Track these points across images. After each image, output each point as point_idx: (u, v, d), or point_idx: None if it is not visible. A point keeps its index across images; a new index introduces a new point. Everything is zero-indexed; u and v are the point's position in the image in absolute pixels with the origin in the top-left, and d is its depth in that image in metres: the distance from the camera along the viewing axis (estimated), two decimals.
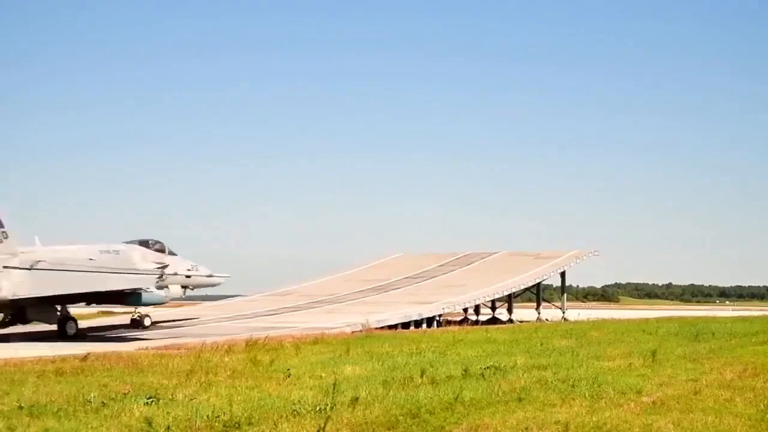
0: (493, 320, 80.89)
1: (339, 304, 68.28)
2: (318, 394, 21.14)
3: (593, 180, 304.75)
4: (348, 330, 45.86)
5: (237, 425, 17.46)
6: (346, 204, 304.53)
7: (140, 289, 46.89)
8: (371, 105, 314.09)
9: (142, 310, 51.48)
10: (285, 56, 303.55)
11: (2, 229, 43.82)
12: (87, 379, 24.63)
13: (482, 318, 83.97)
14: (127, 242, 52.88)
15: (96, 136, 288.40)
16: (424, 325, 58.04)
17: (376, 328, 47.92)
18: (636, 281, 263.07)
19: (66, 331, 45.44)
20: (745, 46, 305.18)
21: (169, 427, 17.08)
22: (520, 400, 20.98)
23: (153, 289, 48.09)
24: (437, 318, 61.85)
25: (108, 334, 48.98)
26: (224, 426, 17.39)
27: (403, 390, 22.29)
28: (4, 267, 43.64)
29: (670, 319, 61.96)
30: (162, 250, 53.79)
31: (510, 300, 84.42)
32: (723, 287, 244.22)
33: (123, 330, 50.70)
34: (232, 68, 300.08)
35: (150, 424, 16.91)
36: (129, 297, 47.47)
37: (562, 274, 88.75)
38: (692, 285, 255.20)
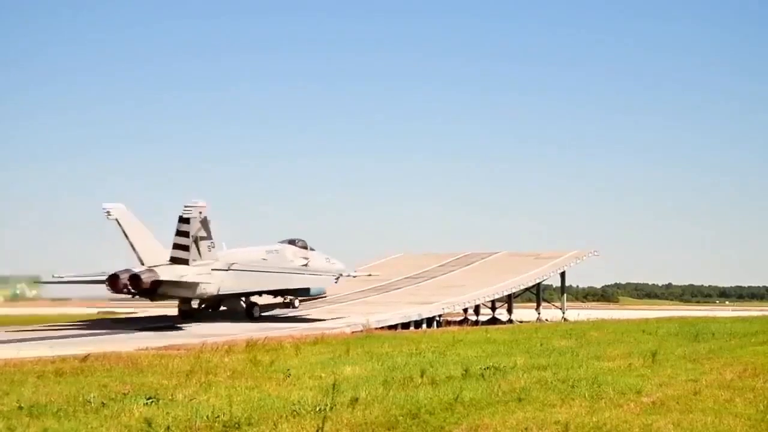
0: (493, 320, 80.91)
1: (339, 304, 68.33)
2: (318, 395, 21.15)
3: (593, 180, 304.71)
4: (348, 330, 45.86)
5: (237, 425, 17.47)
6: (346, 204, 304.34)
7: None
8: (371, 105, 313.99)
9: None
10: (285, 56, 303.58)
11: (212, 241, 55.87)
12: (87, 380, 24.65)
13: (482, 318, 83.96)
14: (280, 242, 65.77)
15: (96, 136, 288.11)
16: (424, 326, 58.09)
17: (376, 328, 47.95)
18: (636, 281, 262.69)
19: (253, 314, 59.44)
20: (745, 46, 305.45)
21: (168, 428, 17.09)
22: (519, 400, 21.00)
23: (321, 285, 63.33)
24: (437, 318, 61.93)
25: (277, 314, 62.42)
26: (224, 426, 17.41)
27: (403, 390, 22.32)
28: (212, 270, 55.25)
29: (669, 319, 62.00)
30: (305, 247, 66.32)
31: (510, 300, 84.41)
32: (723, 287, 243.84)
33: (286, 310, 63.93)
34: (232, 68, 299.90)
35: (150, 424, 16.93)
36: (302, 291, 62.07)
37: (562, 275, 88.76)
38: (692, 285, 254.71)
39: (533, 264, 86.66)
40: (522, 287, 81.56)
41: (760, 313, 78.56)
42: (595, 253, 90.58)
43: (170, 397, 20.83)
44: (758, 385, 23.90)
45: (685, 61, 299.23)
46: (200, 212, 53.89)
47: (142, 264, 53.56)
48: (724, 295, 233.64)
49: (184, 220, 53.54)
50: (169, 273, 52.54)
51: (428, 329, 56.04)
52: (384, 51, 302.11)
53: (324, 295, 67.75)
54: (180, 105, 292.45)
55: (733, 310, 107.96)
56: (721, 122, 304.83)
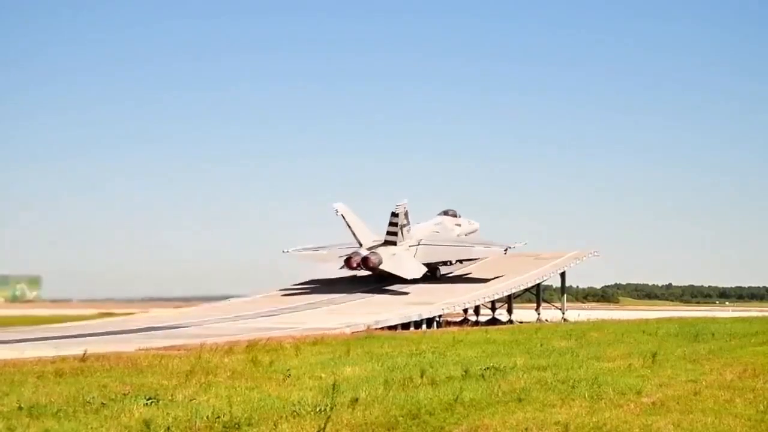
0: (493, 321, 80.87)
1: (340, 304, 68.23)
2: (318, 395, 21.15)
3: (593, 180, 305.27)
4: (348, 331, 45.82)
5: (237, 426, 17.47)
6: (346, 204, 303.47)
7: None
8: (371, 105, 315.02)
9: None
10: (285, 56, 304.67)
11: (409, 225, 76.11)
12: (86, 380, 24.62)
13: (482, 319, 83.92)
14: (438, 214, 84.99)
15: (96, 136, 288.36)
16: (424, 326, 58.02)
17: (376, 329, 47.91)
18: (636, 282, 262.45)
19: (436, 275, 78.45)
20: (745, 46, 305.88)
21: (169, 428, 17.08)
22: (519, 400, 21.01)
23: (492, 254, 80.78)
24: (437, 319, 61.83)
25: (450, 274, 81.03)
26: (224, 427, 17.40)
27: (403, 391, 22.32)
28: (410, 246, 75.92)
29: (670, 319, 62.01)
30: (455, 215, 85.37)
31: (510, 300, 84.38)
32: (723, 288, 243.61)
33: (452, 267, 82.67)
34: (232, 68, 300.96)
35: (148, 426, 16.92)
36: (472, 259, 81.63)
37: (562, 275, 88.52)
38: (692, 285, 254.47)
39: (533, 264, 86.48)
40: (522, 287, 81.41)
41: (760, 314, 78.59)
42: (595, 254, 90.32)
43: (170, 398, 20.82)
44: (758, 386, 23.91)
45: (685, 61, 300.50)
46: (404, 208, 74.66)
47: (360, 245, 74.12)
48: (724, 295, 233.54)
49: (394, 215, 74.06)
50: (386, 253, 73.42)
51: (428, 330, 55.99)
52: (384, 51, 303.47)
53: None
54: (180, 105, 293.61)
55: (733, 311, 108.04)
56: (721, 122, 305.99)
